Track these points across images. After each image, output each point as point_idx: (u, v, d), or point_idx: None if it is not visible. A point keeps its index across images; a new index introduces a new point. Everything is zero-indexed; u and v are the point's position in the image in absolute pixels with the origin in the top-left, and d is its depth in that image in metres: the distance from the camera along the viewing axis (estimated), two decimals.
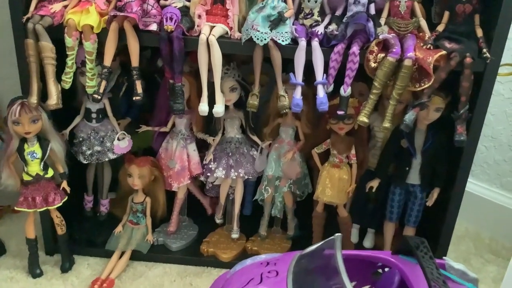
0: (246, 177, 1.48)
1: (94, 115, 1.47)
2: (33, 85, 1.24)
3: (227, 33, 1.23)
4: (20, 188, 1.36)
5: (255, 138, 1.48)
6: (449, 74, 1.15)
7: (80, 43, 1.23)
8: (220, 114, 1.27)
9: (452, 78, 1.16)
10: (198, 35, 1.19)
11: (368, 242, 1.59)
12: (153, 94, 1.52)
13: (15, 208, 1.37)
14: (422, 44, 1.18)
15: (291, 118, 1.44)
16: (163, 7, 1.24)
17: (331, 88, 1.23)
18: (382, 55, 1.16)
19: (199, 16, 1.23)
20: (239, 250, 1.55)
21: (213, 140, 1.48)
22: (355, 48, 1.16)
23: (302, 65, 1.20)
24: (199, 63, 1.21)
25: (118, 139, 1.48)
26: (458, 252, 1.67)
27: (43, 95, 1.27)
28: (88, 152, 1.47)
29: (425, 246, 0.97)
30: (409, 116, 1.20)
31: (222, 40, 1.21)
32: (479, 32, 1.19)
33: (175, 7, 1.23)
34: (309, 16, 1.24)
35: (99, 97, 1.27)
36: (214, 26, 1.21)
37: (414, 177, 1.39)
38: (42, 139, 1.33)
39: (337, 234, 1.04)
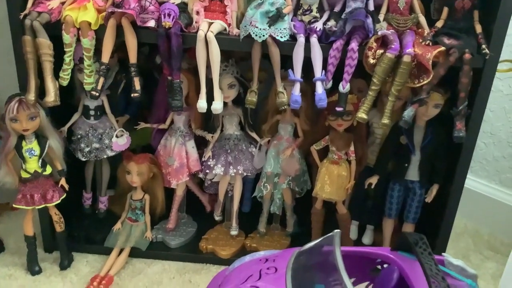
0: (245, 174, 1.48)
1: (92, 112, 1.46)
2: (30, 82, 1.24)
3: (225, 29, 1.23)
4: (19, 186, 1.35)
5: (253, 135, 1.48)
6: (448, 70, 1.15)
7: (78, 40, 1.22)
8: (219, 111, 1.27)
9: (451, 74, 1.16)
10: (196, 32, 1.19)
11: (367, 238, 1.59)
12: (151, 91, 1.51)
13: (14, 206, 1.36)
14: (421, 40, 1.18)
15: (290, 115, 1.44)
16: (161, 3, 1.24)
17: (330, 85, 1.23)
18: (381, 51, 1.16)
19: (197, 13, 1.23)
20: (238, 247, 1.55)
21: (212, 137, 1.48)
22: (353, 45, 1.16)
23: (300, 61, 1.19)
24: (197, 59, 1.21)
25: (117, 136, 1.47)
26: (457, 249, 1.67)
27: (41, 92, 1.26)
28: (87, 149, 1.47)
29: (424, 242, 0.97)
30: (408, 113, 1.19)
31: (221, 36, 1.20)
32: (478, 28, 1.19)
33: (173, 3, 1.23)
34: (307, 12, 1.23)
35: (97, 94, 1.26)
36: (212, 23, 1.21)
37: (413, 174, 1.39)
38: (40, 136, 1.32)
39: (336, 230, 1.04)
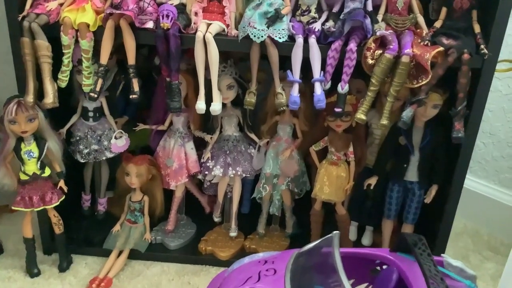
0: (244, 175, 1.48)
1: (91, 114, 1.46)
2: (29, 84, 1.24)
3: (224, 30, 1.23)
4: (17, 188, 1.35)
5: (252, 136, 1.48)
6: (446, 70, 1.15)
7: (76, 41, 1.22)
8: (217, 112, 1.27)
9: (450, 74, 1.16)
10: (195, 33, 1.19)
11: (366, 239, 1.59)
12: (150, 92, 1.51)
13: (12, 208, 1.36)
14: (419, 41, 1.18)
15: (289, 116, 1.44)
16: (159, 4, 1.24)
17: (328, 85, 1.22)
18: (380, 51, 1.16)
19: (196, 14, 1.23)
20: (237, 248, 1.55)
21: (211, 138, 1.48)
22: (352, 45, 1.15)
23: (299, 62, 1.19)
24: (196, 61, 1.21)
25: (116, 138, 1.47)
26: (456, 249, 1.67)
27: (40, 94, 1.26)
28: (85, 151, 1.46)
29: (423, 243, 0.97)
30: (407, 113, 1.19)
31: (219, 37, 1.20)
32: (477, 28, 1.19)
33: (171, 4, 1.22)
34: (306, 13, 1.23)
35: (96, 96, 1.26)
36: (210, 24, 1.21)
37: (412, 174, 1.39)
38: (39, 138, 1.32)
39: (335, 232, 1.04)
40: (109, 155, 1.49)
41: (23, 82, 1.25)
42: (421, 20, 1.22)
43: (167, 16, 1.18)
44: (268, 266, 1.05)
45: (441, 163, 1.37)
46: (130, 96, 1.26)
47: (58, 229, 1.44)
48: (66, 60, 1.24)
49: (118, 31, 1.20)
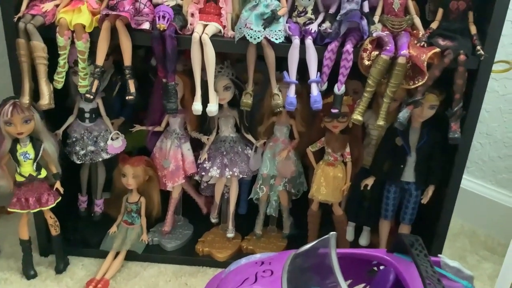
0: (241, 176, 1.47)
1: (87, 115, 1.46)
2: (25, 85, 1.23)
3: (220, 31, 1.23)
4: (13, 189, 1.35)
5: (249, 137, 1.47)
6: (443, 71, 1.15)
7: (72, 43, 1.22)
8: (214, 113, 1.27)
9: (446, 75, 1.16)
10: (191, 34, 1.18)
11: (363, 240, 1.59)
12: (147, 93, 1.51)
13: (9, 209, 1.36)
14: (416, 42, 1.18)
15: (286, 117, 1.44)
16: (155, 5, 1.23)
17: (325, 86, 1.22)
18: (376, 53, 1.16)
19: (192, 15, 1.23)
20: (235, 249, 1.55)
21: (208, 139, 1.47)
22: (348, 46, 1.16)
23: (295, 63, 1.19)
24: (192, 62, 1.21)
25: (112, 139, 1.47)
26: (453, 249, 1.67)
27: (36, 95, 1.26)
28: (82, 152, 1.46)
29: (419, 244, 0.97)
30: (403, 114, 1.19)
31: (215, 38, 1.20)
32: (473, 29, 1.19)
33: (167, 5, 1.22)
34: (302, 14, 1.23)
35: (92, 97, 1.26)
36: (207, 25, 1.20)
37: (409, 175, 1.39)
38: (35, 140, 1.32)
39: (331, 233, 1.04)
40: (106, 156, 1.48)
41: (19, 83, 1.24)
42: (417, 21, 1.22)
43: (163, 17, 1.18)
44: (265, 267, 1.05)
45: (438, 164, 1.37)
46: (126, 97, 1.26)
47: (55, 230, 1.43)
48: (62, 61, 1.23)
49: (114, 32, 1.20)
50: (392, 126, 1.28)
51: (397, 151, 1.38)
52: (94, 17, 1.21)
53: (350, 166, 1.41)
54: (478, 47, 1.16)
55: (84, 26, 1.19)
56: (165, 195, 1.57)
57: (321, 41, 1.20)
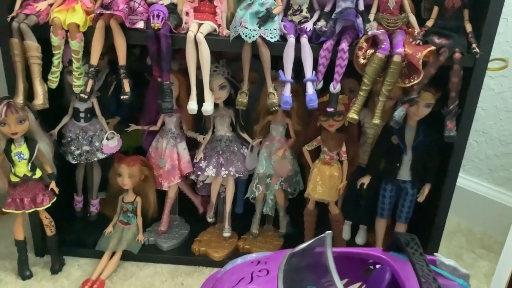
0: (237, 175, 1.47)
1: (82, 115, 1.45)
2: (19, 85, 1.23)
3: (215, 30, 1.22)
4: (8, 190, 1.34)
5: (245, 136, 1.47)
6: (438, 69, 1.15)
7: (67, 42, 1.21)
8: (209, 112, 1.26)
9: (442, 73, 1.16)
10: (186, 33, 1.18)
11: (360, 238, 1.59)
12: (142, 92, 1.50)
13: (3, 210, 1.35)
14: (411, 40, 1.18)
15: (282, 116, 1.43)
16: (150, 4, 1.23)
17: (320, 85, 1.22)
18: (371, 51, 1.16)
19: (187, 14, 1.22)
20: (231, 248, 1.54)
21: (203, 138, 1.47)
22: (344, 45, 1.15)
23: (291, 62, 1.19)
24: (187, 61, 1.20)
25: (107, 139, 1.46)
26: (450, 247, 1.67)
27: (30, 95, 1.25)
28: (77, 152, 1.45)
29: (415, 242, 0.97)
30: (399, 112, 1.19)
31: (210, 37, 1.20)
32: (468, 27, 1.19)
33: (162, 4, 1.22)
34: (297, 13, 1.23)
35: (86, 97, 1.25)
36: (202, 24, 1.20)
37: (405, 173, 1.39)
38: (30, 140, 1.31)
39: (327, 231, 1.04)
40: (101, 156, 1.48)
41: (13, 83, 1.24)
42: (412, 19, 1.22)
43: (158, 16, 1.18)
44: (261, 266, 1.04)
45: (434, 162, 1.37)
46: (121, 97, 1.26)
47: (50, 231, 1.43)
48: (56, 61, 1.23)
49: (108, 32, 1.19)
50: (388, 124, 1.28)
51: (393, 150, 1.38)
52: (88, 16, 1.21)
53: (346, 165, 1.41)
54: (474, 45, 1.16)
55: (78, 26, 1.19)
56: (161, 195, 1.56)
57: (316, 40, 1.20)
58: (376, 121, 1.21)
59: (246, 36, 1.16)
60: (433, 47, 1.14)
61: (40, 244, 1.50)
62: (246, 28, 1.16)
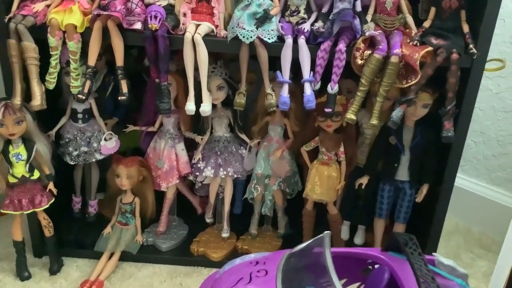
0: (235, 176, 1.47)
1: (80, 116, 1.45)
2: (16, 86, 1.23)
3: (212, 31, 1.22)
4: (6, 191, 1.34)
5: (243, 136, 1.47)
6: (436, 70, 1.15)
7: (64, 43, 1.21)
8: (207, 113, 1.26)
9: (440, 74, 1.16)
10: (183, 34, 1.18)
11: (358, 239, 1.59)
12: (140, 93, 1.50)
13: (1, 211, 1.35)
14: (408, 41, 1.18)
15: (280, 116, 1.43)
16: (147, 5, 1.23)
17: (318, 86, 1.22)
18: (369, 52, 1.16)
19: (184, 14, 1.22)
20: (230, 249, 1.55)
21: (202, 139, 1.47)
22: (341, 45, 1.15)
23: (288, 63, 1.19)
24: (185, 62, 1.20)
25: (105, 140, 1.46)
26: (448, 248, 1.68)
27: (27, 96, 1.25)
28: (75, 153, 1.45)
29: (414, 242, 0.97)
30: (397, 113, 1.19)
31: (208, 38, 1.20)
32: (466, 28, 1.19)
33: (159, 5, 1.22)
34: (295, 14, 1.23)
35: (84, 97, 1.25)
36: (199, 24, 1.20)
37: (403, 174, 1.39)
38: (27, 141, 1.31)
39: (326, 232, 1.04)
40: (99, 157, 1.48)
41: (10, 84, 1.24)
42: (410, 20, 1.22)
43: (155, 17, 1.17)
44: (259, 267, 1.04)
45: (432, 162, 1.37)
46: (119, 98, 1.25)
47: (48, 231, 1.43)
48: (53, 62, 1.23)
49: (106, 33, 1.19)
50: (386, 125, 1.28)
51: (391, 150, 1.38)
52: (85, 17, 1.21)
53: (344, 165, 1.41)
54: (471, 46, 1.16)
55: (75, 27, 1.18)
56: (160, 196, 1.56)
57: (314, 41, 1.20)
58: (374, 121, 1.21)
59: (243, 37, 1.16)
60: (430, 48, 1.14)
61: (39, 245, 1.50)
62: (244, 29, 1.16)
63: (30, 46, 1.19)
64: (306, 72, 1.19)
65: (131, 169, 1.45)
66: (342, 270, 0.99)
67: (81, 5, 1.21)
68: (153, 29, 1.16)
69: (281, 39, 1.19)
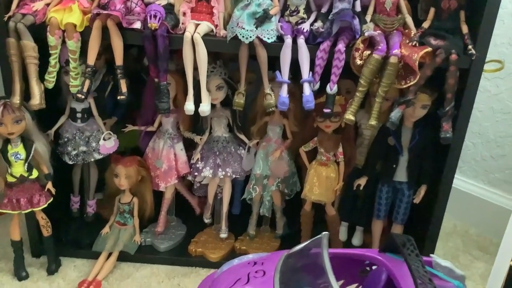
0: (234, 176, 1.47)
1: (79, 115, 1.45)
2: (15, 85, 1.23)
3: (212, 30, 1.22)
4: (4, 190, 1.34)
5: (242, 136, 1.47)
6: (435, 71, 1.15)
7: (63, 42, 1.21)
8: (206, 113, 1.26)
9: (438, 75, 1.16)
10: (183, 33, 1.18)
11: (356, 240, 1.59)
12: (139, 92, 1.50)
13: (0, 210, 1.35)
14: (407, 41, 1.18)
15: (279, 117, 1.43)
16: (147, 4, 1.23)
17: (317, 86, 1.22)
18: (368, 52, 1.16)
19: (184, 14, 1.23)
20: (228, 249, 1.54)
21: (200, 139, 1.47)
22: (340, 46, 1.16)
23: (288, 63, 1.19)
24: (184, 61, 1.20)
25: (104, 139, 1.46)
26: (446, 249, 1.68)
27: (27, 95, 1.25)
28: (74, 152, 1.45)
29: (411, 244, 0.97)
30: (395, 114, 1.19)
31: (207, 38, 1.20)
32: (465, 29, 1.19)
33: (159, 4, 1.22)
34: (294, 13, 1.23)
35: (83, 97, 1.25)
36: (199, 24, 1.20)
37: (401, 175, 1.39)
38: (26, 140, 1.31)
39: (324, 233, 1.04)
40: (98, 156, 1.47)
41: (10, 83, 1.24)
42: (409, 20, 1.22)
43: (155, 16, 1.17)
44: (257, 267, 1.04)
45: (430, 164, 1.37)
46: (118, 97, 1.25)
47: (46, 231, 1.42)
48: (53, 61, 1.23)
49: (105, 32, 1.19)
50: (384, 125, 1.28)
51: (390, 151, 1.38)
52: (85, 16, 1.21)
53: (343, 166, 1.41)
54: (470, 47, 1.16)
55: (75, 26, 1.18)
56: (158, 196, 1.56)
57: (313, 41, 1.20)
58: (373, 122, 1.21)
59: (243, 36, 1.16)
60: (429, 49, 1.15)
61: (37, 245, 1.49)
62: (243, 28, 1.16)
63: (30, 45, 1.19)
64: (305, 72, 1.19)
65: (129, 169, 1.45)
66: (339, 271, 0.99)
67: (80, 4, 1.21)
68: (153, 29, 1.16)
69: (280, 39, 1.20)
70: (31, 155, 1.31)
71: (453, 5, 1.18)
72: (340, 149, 1.40)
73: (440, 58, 1.13)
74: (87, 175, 1.60)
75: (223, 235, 1.55)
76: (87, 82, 1.25)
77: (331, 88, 1.21)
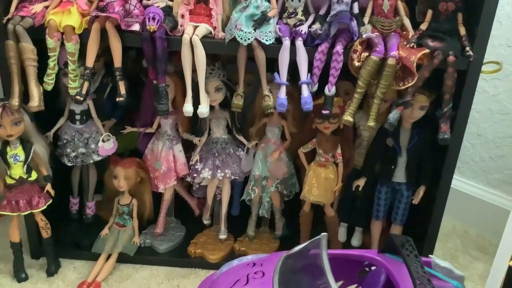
0: (233, 177, 1.47)
1: (78, 117, 1.45)
2: (14, 87, 1.23)
3: (210, 32, 1.23)
4: (3, 192, 1.34)
5: (241, 138, 1.47)
6: (433, 72, 1.16)
7: (62, 44, 1.21)
8: (205, 114, 1.26)
9: (436, 76, 1.17)
10: (182, 35, 1.18)
11: (355, 240, 1.59)
12: (138, 94, 1.50)
13: None
14: (405, 43, 1.19)
15: (277, 118, 1.44)
16: (145, 7, 1.23)
17: (315, 88, 1.23)
18: (366, 54, 1.17)
19: (182, 16, 1.23)
20: (227, 250, 1.55)
21: (199, 140, 1.47)
22: (338, 47, 1.16)
23: (286, 64, 1.19)
24: (183, 63, 1.20)
25: (103, 141, 1.46)
26: (445, 249, 1.68)
27: (25, 97, 1.25)
28: (73, 154, 1.45)
29: (410, 244, 0.97)
30: (393, 115, 1.20)
31: (206, 40, 1.20)
32: (462, 30, 1.20)
33: (157, 7, 1.22)
34: (293, 15, 1.23)
35: (82, 99, 1.25)
36: (197, 26, 1.20)
37: (400, 175, 1.40)
38: (25, 142, 1.31)
39: (323, 233, 1.04)
40: (97, 158, 1.47)
41: (8, 85, 1.24)
42: (407, 22, 1.23)
43: (154, 18, 1.18)
44: (256, 268, 1.05)
45: (429, 164, 1.37)
46: (117, 99, 1.26)
47: (46, 233, 1.42)
48: (51, 63, 1.23)
49: (104, 34, 1.19)
50: (383, 127, 1.28)
51: (388, 152, 1.39)
52: (83, 18, 1.21)
53: (342, 167, 1.42)
54: (467, 48, 1.16)
55: (73, 28, 1.19)
56: (157, 197, 1.56)
57: (311, 43, 1.20)
58: (371, 123, 1.21)
59: (241, 38, 1.17)
60: (427, 50, 1.15)
61: (36, 246, 1.49)
62: (242, 30, 1.16)
63: (28, 47, 1.19)
64: (303, 74, 1.20)
65: (128, 171, 1.46)
66: (338, 272, 1.00)
67: (79, 7, 1.21)
68: (151, 31, 1.16)
69: (278, 41, 1.20)
70: (30, 157, 1.31)
71: (451, 7, 1.18)
72: (339, 150, 1.40)
73: (438, 59, 1.14)
74: (86, 177, 1.60)
75: (222, 236, 1.55)
76: (86, 84, 1.25)
77: (330, 90, 1.21)
